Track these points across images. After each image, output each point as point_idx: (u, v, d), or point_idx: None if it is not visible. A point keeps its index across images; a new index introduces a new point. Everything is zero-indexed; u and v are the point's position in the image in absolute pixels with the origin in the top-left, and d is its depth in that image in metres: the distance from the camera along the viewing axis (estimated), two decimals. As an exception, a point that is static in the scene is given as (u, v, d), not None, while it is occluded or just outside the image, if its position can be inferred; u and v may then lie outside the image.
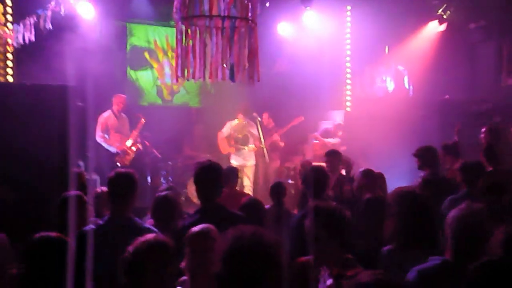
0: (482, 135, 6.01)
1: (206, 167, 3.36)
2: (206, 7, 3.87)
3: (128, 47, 9.14)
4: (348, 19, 9.86)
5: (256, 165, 8.46)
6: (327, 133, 8.86)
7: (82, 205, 3.44)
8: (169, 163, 8.45)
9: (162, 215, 3.70)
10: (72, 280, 2.22)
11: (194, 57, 3.99)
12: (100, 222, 3.21)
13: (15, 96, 4.66)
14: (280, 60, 9.62)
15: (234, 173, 5.25)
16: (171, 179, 8.29)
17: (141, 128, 7.84)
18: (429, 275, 2.38)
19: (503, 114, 7.65)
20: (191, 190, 7.80)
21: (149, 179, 8.18)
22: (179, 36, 4.04)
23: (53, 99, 4.54)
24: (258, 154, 8.40)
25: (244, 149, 8.22)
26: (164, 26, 9.19)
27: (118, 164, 7.39)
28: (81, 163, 5.62)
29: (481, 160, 4.85)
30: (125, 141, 7.65)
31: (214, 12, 3.87)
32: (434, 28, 9.41)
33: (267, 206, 4.39)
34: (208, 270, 2.49)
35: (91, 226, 3.11)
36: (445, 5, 9.05)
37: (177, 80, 4.06)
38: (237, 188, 5.75)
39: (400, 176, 6.39)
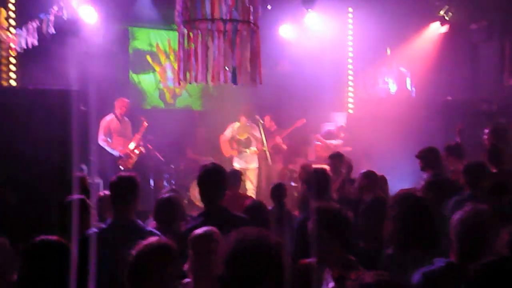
0: (485, 136, 5.99)
1: (210, 169, 3.38)
2: (208, 10, 3.88)
3: (131, 50, 9.17)
4: (350, 20, 9.88)
5: (259, 168, 8.47)
6: (329, 135, 8.86)
7: (85, 208, 3.45)
8: (172, 166, 8.46)
9: (165, 216, 3.70)
10: (74, 284, 2.22)
11: (196, 60, 4.00)
12: (103, 225, 3.22)
13: (18, 100, 4.68)
14: (282, 62, 9.63)
15: (237, 176, 5.26)
16: (173, 182, 8.30)
17: (144, 132, 7.86)
18: (434, 278, 2.38)
19: (505, 114, 7.63)
20: (194, 193, 7.80)
21: (152, 182, 8.19)
22: (181, 40, 4.05)
23: (56, 103, 4.55)
24: (261, 156, 8.41)
25: (246, 152, 8.22)
26: (166, 29, 9.21)
27: (121, 167, 7.40)
28: (84, 166, 5.64)
29: (484, 161, 4.83)
30: (128, 145, 7.66)
31: (216, 16, 3.88)
32: (436, 29, 9.40)
33: (269, 208, 4.39)
34: (211, 272, 2.50)
35: (94, 230, 3.12)
36: (447, 7, 9.05)
37: (179, 84, 4.07)
38: (240, 191, 5.76)
39: (402, 177, 6.38)
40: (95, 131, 7.12)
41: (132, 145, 7.68)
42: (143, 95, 9.32)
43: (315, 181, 4.13)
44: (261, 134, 8.21)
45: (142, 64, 9.27)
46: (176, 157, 8.63)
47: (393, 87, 9.75)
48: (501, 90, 8.63)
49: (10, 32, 6.92)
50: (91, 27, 7.37)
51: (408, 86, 9.62)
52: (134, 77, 9.24)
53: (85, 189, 4.25)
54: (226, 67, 3.98)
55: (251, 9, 3.95)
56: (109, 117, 7.58)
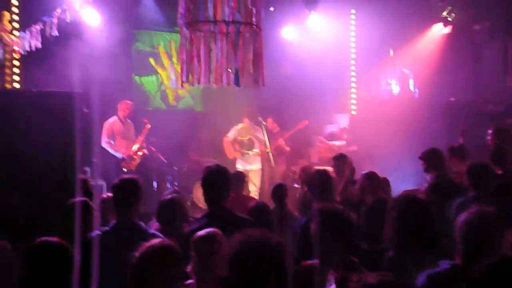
0: (489, 137, 5.97)
1: (214, 171, 3.39)
2: (210, 12, 3.89)
3: (133, 52, 9.19)
4: (353, 22, 9.87)
5: (262, 170, 8.47)
6: (332, 136, 8.85)
7: (88, 211, 3.46)
8: (175, 168, 8.46)
9: (168, 217, 3.70)
10: (77, 286, 2.23)
11: (199, 62, 4.01)
12: (106, 228, 3.23)
13: (21, 103, 4.68)
14: (285, 64, 9.63)
15: (240, 178, 5.27)
16: (176, 184, 8.30)
17: (147, 134, 7.87)
18: (439, 280, 2.37)
19: (509, 115, 7.61)
20: (197, 195, 7.80)
21: (155, 184, 8.20)
22: (183, 42, 4.05)
23: (59, 105, 4.56)
24: (264, 158, 8.41)
25: (249, 153, 8.22)
26: (169, 32, 9.23)
27: (124, 169, 7.41)
28: (87, 169, 5.64)
29: (488, 162, 4.81)
30: (131, 147, 7.67)
31: (219, 18, 3.89)
32: (438, 30, 9.39)
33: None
34: (214, 274, 2.50)
35: (97, 232, 3.12)
36: (449, 8, 9.04)
37: (182, 85, 4.08)
38: (243, 192, 5.76)
39: (405, 178, 6.37)
40: (98, 133, 7.14)
41: (135, 147, 7.69)
42: (146, 97, 9.34)
43: (318, 182, 4.12)
44: (264, 136, 8.21)
45: (144, 66, 9.29)
46: (179, 159, 8.64)
47: (396, 88, 9.74)
48: (504, 90, 8.61)
49: (14, 35, 6.94)
50: (94, 30, 7.40)
51: (411, 87, 9.61)
52: (137, 79, 9.26)
53: (88, 191, 4.25)
54: (228, 69, 3.99)
55: (254, 11, 3.96)
56: (112, 119, 7.60)
